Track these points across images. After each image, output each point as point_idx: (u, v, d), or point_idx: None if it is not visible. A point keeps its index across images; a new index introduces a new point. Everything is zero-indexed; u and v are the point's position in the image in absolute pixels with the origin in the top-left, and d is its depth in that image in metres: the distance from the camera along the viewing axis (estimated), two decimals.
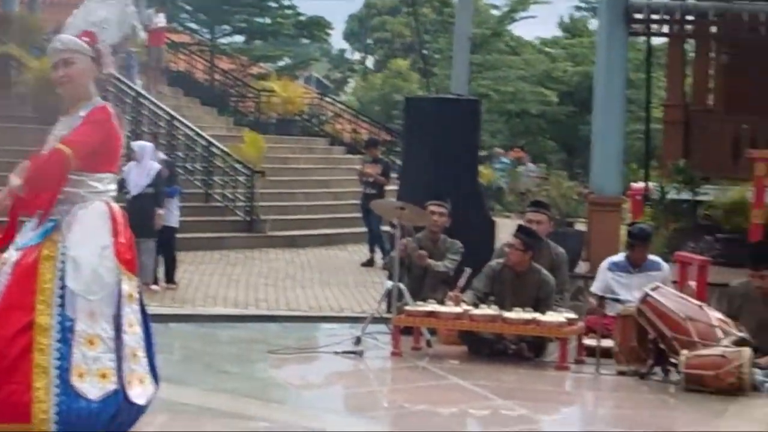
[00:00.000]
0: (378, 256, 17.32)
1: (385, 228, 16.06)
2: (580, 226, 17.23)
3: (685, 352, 8.88)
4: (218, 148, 20.13)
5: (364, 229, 18.42)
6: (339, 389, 9.38)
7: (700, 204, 16.83)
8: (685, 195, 16.84)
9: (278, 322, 11.94)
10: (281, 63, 39.85)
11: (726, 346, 8.88)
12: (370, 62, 50.23)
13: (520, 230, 10.36)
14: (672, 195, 16.81)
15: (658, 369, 9.28)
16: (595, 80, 15.66)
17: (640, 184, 17.69)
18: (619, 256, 11.06)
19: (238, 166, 19.92)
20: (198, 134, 20.41)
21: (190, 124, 20.75)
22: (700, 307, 9.41)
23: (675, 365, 9.06)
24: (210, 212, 19.29)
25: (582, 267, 14.42)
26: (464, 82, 17.76)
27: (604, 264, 10.98)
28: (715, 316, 9.28)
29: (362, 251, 18.33)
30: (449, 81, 18.27)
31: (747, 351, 8.78)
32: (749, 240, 10.76)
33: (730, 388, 8.65)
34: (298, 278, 15.62)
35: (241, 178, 19.81)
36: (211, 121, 24.36)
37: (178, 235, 14.52)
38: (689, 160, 17.52)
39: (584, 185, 18.56)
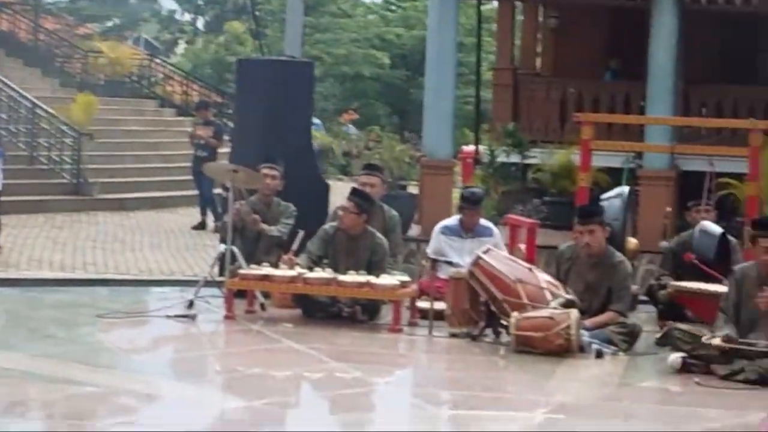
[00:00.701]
0: (209, 219, 17.14)
1: (217, 191, 15.90)
2: (413, 189, 17.34)
3: (515, 314, 9.00)
4: (43, 109, 19.65)
5: (195, 192, 18.21)
6: (170, 353, 9.25)
7: (529, 167, 17.10)
8: (514, 158, 17.09)
9: (107, 286, 11.72)
10: (109, 24, 38.97)
11: (554, 308, 9.02)
12: (200, 23, 49.59)
13: (354, 193, 10.34)
14: (502, 158, 17.05)
15: (489, 331, 9.38)
16: (428, 44, 15.72)
17: (471, 148, 17.88)
18: (452, 220, 11.15)
19: (64, 128, 19.47)
20: (21, 95, 19.89)
21: (12, 85, 20.20)
22: (530, 269, 9.54)
23: (506, 327, 9.17)
24: (35, 175, 18.81)
25: (414, 230, 14.53)
26: (297, 45, 17.60)
27: (438, 227, 11.06)
28: (544, 278, 9.41)
29: (193, 214, 18.11)
30: (283, 43, 18.11)
31: (575, 313, 8.94)
32: (576, 203, 10.93)
33: (559, 349, 8.80)
34: (128, 241, 15.37)
35: (67, 141, 19.37)
36: (35, 83, 23.70)
37: (2, 198, 14.10)
38: (518, 124, 17.78)
39: (416, 148, 18.65)
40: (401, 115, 37.65)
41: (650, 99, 15.06)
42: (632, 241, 10.99)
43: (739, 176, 13.41)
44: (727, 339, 8.30)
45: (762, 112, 16.08)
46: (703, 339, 8.36)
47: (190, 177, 18.16)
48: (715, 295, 9.15)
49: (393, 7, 40.94)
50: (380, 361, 8.68)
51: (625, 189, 11.12)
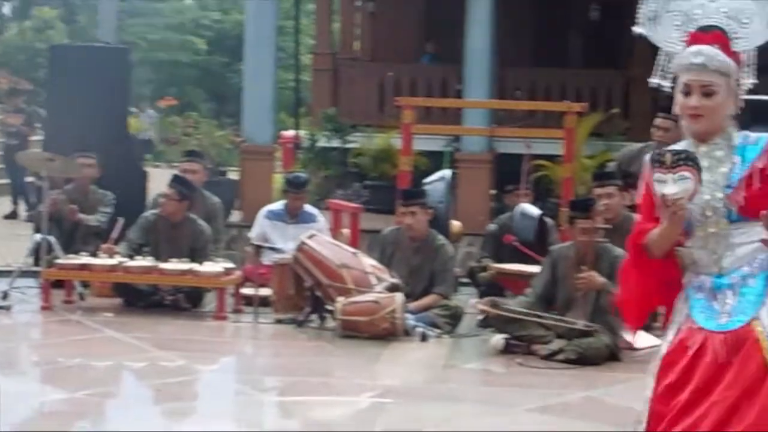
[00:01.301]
0: (22, 208, 16.70)
1: (30, 179, 15.49)
2: (233, 175, 17.19)
3: (340, 299, 9.00)
4: None
5: (6, 181, 17.71)
6: None
7: (349, 151, 17.12)
8: (335, 143, 17.08)
9: None
10: None
11: (379, 293, 9.05)
12: (7, 9, 48.22)
13: (175, 180, 10.19)
14: (322, 143, 17.02)
15: (314, 316, 9.36)
16: (246, 28, 15.58)
17: (291, 132, 17.82)
18: (278, 205, 11.09)
19: None
20: None
21: None
22: (354, 254, 9.56)
23: (331, 312, 9.17)
24: None
25: (236, 216, 14.40)
26: (112, 30, 17.31)
27: (262, 212, 10.99)
28: (368, 263, 9.44)
29: (5, 203, 17.60)
30: (96, 29, 17.77)
31: (399, 297, 8.99)
32: (398, 186, 10.98)
33: (384, 333, 8.84)
34: None
35: None
36: None
37: None
38: (338, 108, 17.79)
39: (236, 134, 18.50)
40: (219, 100, 37.32)
41: (467, 82, 15.21)
42: (456, 224, 11.12)
43: (552, 158, 13.68)
44: (492, 304, 8.53)
45: (573, 94, 16.41)
46: (471, 302, 8.58)
47: (1, 165, 17.66)
48: (534, 276, 9.29)
49: None
50: (205, 349, 8.58)
51: (447, 172, 11.23)
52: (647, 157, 4.08)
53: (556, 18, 18.88)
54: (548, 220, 10.66)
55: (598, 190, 9.55)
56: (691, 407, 3.97)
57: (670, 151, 3.99)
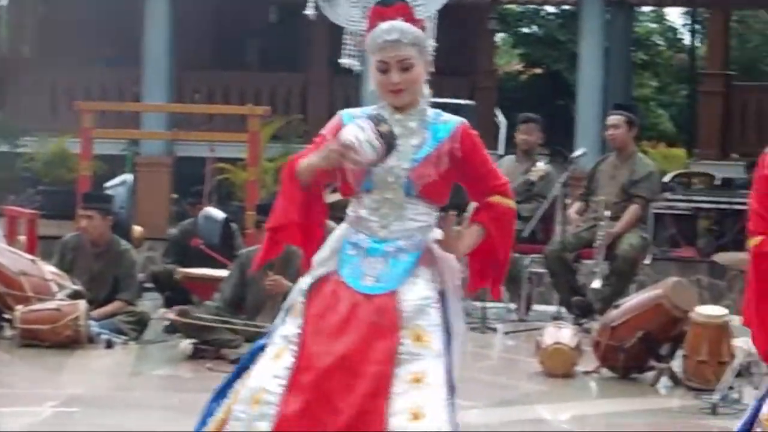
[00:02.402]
0: None
1: None
2: None
3: (20, 307, 8.66)
4: None
5: None
6: None
7: (21, 156, 16.58)
8: (5, 147, 16.50)
9: None
10: None
11: (61, 300, 8.78)
12: None
13: None
14: None
15: None
16: None
17: None
18: None
19: None
20: None
21: None
22: (33, 261, 9.24)
23: (9, 321, 8.81)
24: None
25: None
26: None
27: None
28: (48, 269, 9.14)
29: None
30: None
31: (82, 303, 8.74)
32: (77, 192, 10.69)
33: (67, 340, 8.57)
34: None
35: None
36: None
37: None
38: (7, 112, 17.19)
39: None
40: None
41: (146, 86, 15.01)
42: (137, 229, 10.93)
43: (233, 161, 13.66)
44: (181, 313, 8.44)
45: (252, 98, 16.45)
46: (160, 311, 8.50)
47: None
48: (221, 280, 9.23)
49: None
50: None
51: (129, 177, 11.04)
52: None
53: (235, 20, 18.87)
54: (233, 225, 10.62)
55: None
56: (342, 365, 3.97)
57: (387, 122, 4.03)
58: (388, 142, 4.01)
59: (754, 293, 3.55)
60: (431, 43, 4.20)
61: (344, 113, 4.22)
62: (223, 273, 9.19)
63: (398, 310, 4.01)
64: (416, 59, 4.11)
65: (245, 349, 8.18)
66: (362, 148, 3.97)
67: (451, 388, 4.03)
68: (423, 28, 4.18)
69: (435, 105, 4.30)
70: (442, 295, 4.11)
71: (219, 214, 10.56)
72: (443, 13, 4.30)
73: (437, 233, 4.12)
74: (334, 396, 3.93)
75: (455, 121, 4.19)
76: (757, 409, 3.57)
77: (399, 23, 4.10)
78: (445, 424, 3.90)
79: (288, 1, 17.82)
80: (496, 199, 4.17)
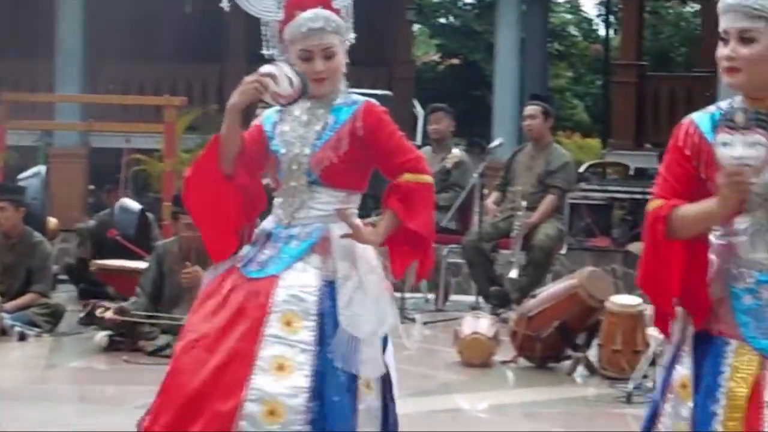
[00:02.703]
0: None
1: None
2: None
3: None
4: None
5: None
6: None
7: None
8: None
9: None
10: None
11: None
12: None
13: None
14: None
15: None
16: None
17: None
18: None
19: None
20: None
21: None
22: None
23: None
24: None
25: None
26: None
27: None
28: None
29: None
30: None
31: None
32: None
33: None
34: None
35: None
36: None
37: None
38: None
39: None
40: None
41: (59, 77, 14.83)
42: (52, 221, 10.80)
43: (149, 152, 13.55)
44: (119, 311, 8.35)
45: (168, 88, 16.30)
46: (97, 312, 8.39)
47: None
48: (137, 272, 9.14)
49: None
50: None
51: (42, 168, 10.90)
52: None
53: (150, 11, 18.68)
54: (149, 215, 10.54)
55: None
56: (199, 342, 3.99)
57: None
58: (304, 82, 4.01)
59: (650, 258, 3.53)
60: (350, 33, 4.20)
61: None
62: (138, 264, 9.11)
63: (271, 293, 3.99)
64: (337, 47, 4.10)
65: (162, 340, 8.16)
66: (281, 79, 3.97)
67: (341, 375, 3.97)
68: (341, 18, 4.17)
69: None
70: (331, 285, 4.05)
71: (135, 205, 10.48)
72: (361, 3, 4.29)
73: (344, 225, 4.06)
74: (185, 373, 3.95)
75: (359, 101, 4.15)
76: (666, 380, 3.61)
77: (322, 11, 4.09)
78: (296, 421, 3.89)
79: None
80: (404, 177, 4.07)
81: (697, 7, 24.97)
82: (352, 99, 4.16)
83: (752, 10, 3.40)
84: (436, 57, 28.40)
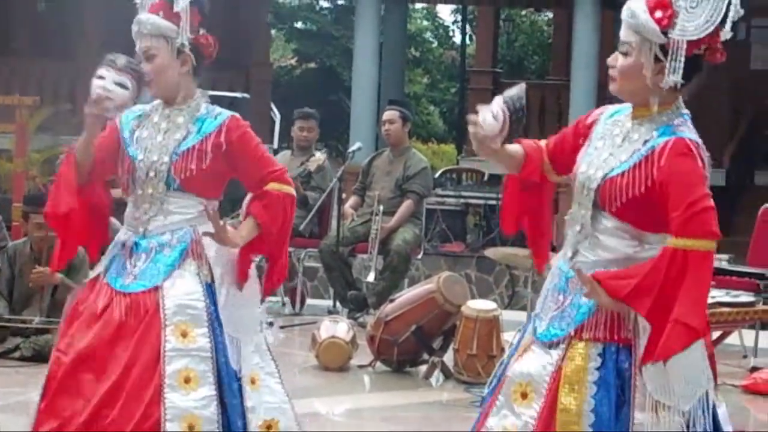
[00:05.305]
0: None
1: None
2: None
3: None
4: None
5: None
6: None
7: None
8: None
9: None
10: None
11: None
12: None
13: None
14: None
15: None
16: None
17: None
18: None
19: None
20: None
21: None
22: None
23: None
24: None
25: None
26: None
27: None
28: None
29: None
30: None
31: None
32: None
33: None
34: None
35: None
36: None
37: None
38: None
39: None
40: None
41: None
42: None
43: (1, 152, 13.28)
44: None
45: (19, 86, 15.93)
46: None
47: None
48: None
49: None
50: None
51: None
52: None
53: (1, 8, 18.26)
54: None
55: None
56: (85, 361, 4.00)
57: (126, 57, 4.12)
58: (135, 69, 4.06)
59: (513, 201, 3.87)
60: (183, 37, 4.17)
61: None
62: None
63: (161, 307, 4.00)
64: (160, 50, 4.13)
65: (9, 343, 7.97)
66: (113, 92, 4.03)
67: (233, 377, 4.07)
68: (177, 22, 4.18)
69: (210, 97, 4.31)
70: (210, 288, 4.11)
71: None
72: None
73: (207, 226, 4.11)
74: (82, 391, 3.97)
75: (225, 115, 4.21)
76: (502, 374, 3.78)
77: (145, 16, 4.15)
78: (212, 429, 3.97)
79: None
80: (270, 186, 4.18)
81: (550, 15, 25.38)
82: (217, 111, 4.22)
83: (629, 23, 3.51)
84: (292, 61, 28.36)
